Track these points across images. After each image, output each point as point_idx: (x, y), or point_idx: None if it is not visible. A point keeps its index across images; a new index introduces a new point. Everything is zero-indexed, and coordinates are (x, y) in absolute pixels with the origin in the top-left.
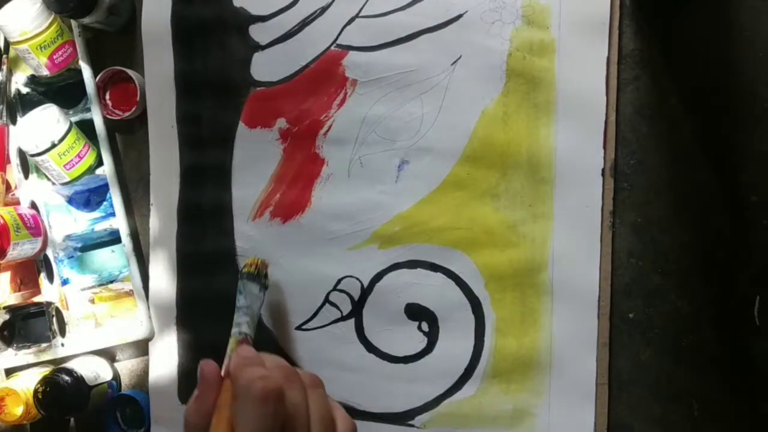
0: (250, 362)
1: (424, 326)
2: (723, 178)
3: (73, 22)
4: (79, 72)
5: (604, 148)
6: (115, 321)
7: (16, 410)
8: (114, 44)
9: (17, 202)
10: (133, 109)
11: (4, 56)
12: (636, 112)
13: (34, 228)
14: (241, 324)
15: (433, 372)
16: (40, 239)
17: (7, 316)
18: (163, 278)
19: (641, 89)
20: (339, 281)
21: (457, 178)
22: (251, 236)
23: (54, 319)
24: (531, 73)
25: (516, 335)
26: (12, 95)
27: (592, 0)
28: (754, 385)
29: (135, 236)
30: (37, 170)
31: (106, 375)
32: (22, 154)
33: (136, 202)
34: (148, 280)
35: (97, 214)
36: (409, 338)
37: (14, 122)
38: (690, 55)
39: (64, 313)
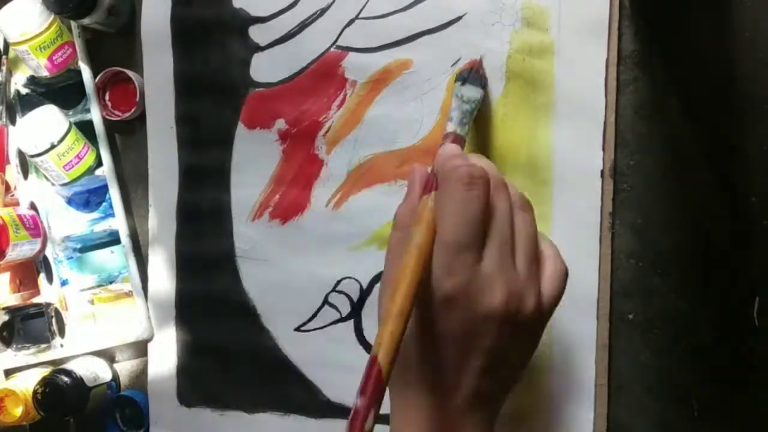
0: (456, 156)
1: None
2: (723, 179)
3: (73, 23)
4: (78, 73)
5: (604, 149)
6: (114, 322)
7: (16, 411)
8: (114, 45)
9: (16, 203)
10: (133, 109)
11: (4, 57)
12: (635, 114)
13: (34, 229)
14: (452, 120)
15: None
16: (39, 240)
17: (6, 317)
18: (162, 279)
19: (641, 90)
20: (338, 282)
21: None
22: (250, 237)
23: (53, 319)
24: (530, 75)
25: None
26: (11, 96)
27: (591, 2)
28: (754, 386)
29: (134, 237)
30: (37, 171)
31: (106, 376)
32: (21, 154)
33: (135, 203)
34: (147, 280)
35: (96, 214)
36: None
37: (14, 123)
38: (690, 57)
39: (64, 313)
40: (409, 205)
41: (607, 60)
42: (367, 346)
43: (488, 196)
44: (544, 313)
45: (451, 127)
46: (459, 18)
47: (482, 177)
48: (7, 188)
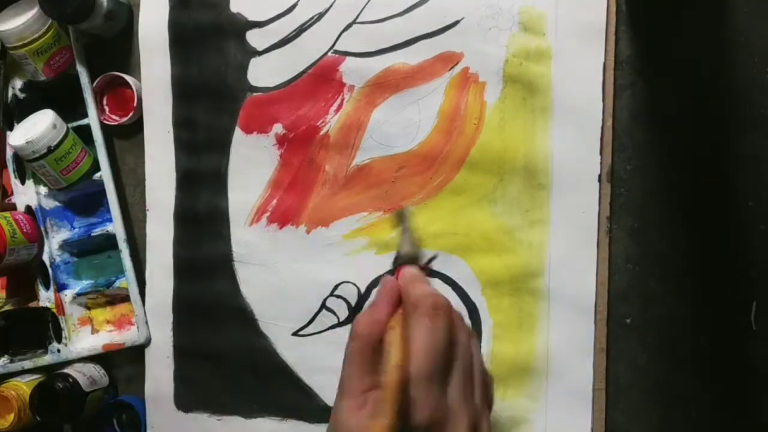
0: (419, 279)
1: None
2: (719, 183)
3: (71, 28)
4: (76, 77)
5: (601, 153)
6: (111, 327)
7: (9, 417)
8: (111, 50)
9: (14, 208)
10: (130, 114)
11: (1, 61)
12: (632, 118)
13: (31, 233)
14: (404, 245)
15: None
16: (36, 245)
17: (2, 322)
18: (159, 284)
19: (637, 95)
20: (336, 287)
21: (454, 184)
22: (248, 241)
23: (50, 324)
24: (528, 79)
25: (513, 341)
26: (9, 100)
27: (588, 6)
28: (752, 390)
29: (131, 242)
30: (34, 175)
31: (102, 381)
32: (18, 159)
33: (132, 208)
34: (144, 285)
35: (93, 219)
36: None
37: (11, 127)
38: (686, 61)
39: (60, 318)
40: (373, 316)
41: (605, 64)
42: None
43: (452, 325)
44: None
45: (405, 249)
46: (456, 22)
47: (446, 306)
48: (5, 193)
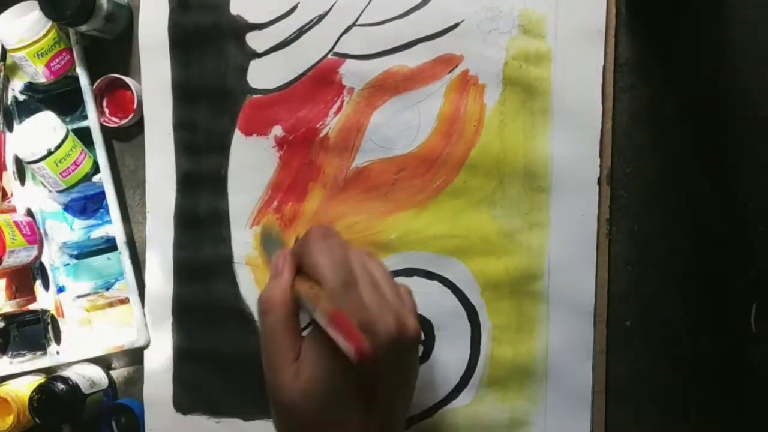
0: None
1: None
2: (719, 185)
3: (71, 30)
4: (76, 79)
5: (600, 156)
6: (110, 329)
7: (8, 419)
8: (111, 52)
9: (13, 210)
10: (131, 116)
11: (1, 63)
12: (632, 120)
13: (30, 235)
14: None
15: (429, 380)
16: (35, 246)
17: (2, 324)
18: (159, 286)
19: (637, 97)
20: None
21: (454, 186)
22: (248, 243)
23: (49, 326)
24: (527, 81)
25: (512, 343)
26: (9, 102)
27: (587, 9)
28: (752, 393)
29: (131, 244)
30: (34, 177)
31: (102, 383)
32: (18, 161)
33: (132, 210)
34: (144, 287)
35: (93, 221)
36: None
37: (11, 129)
38: (685, 64)
39: (60, 320)
40: (279, 284)
41: (604, 67)
42: None
43: (345, 244)
44: (419, 331)
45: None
46: (456, 25)
47: (334, 230)
48: (4, 195)
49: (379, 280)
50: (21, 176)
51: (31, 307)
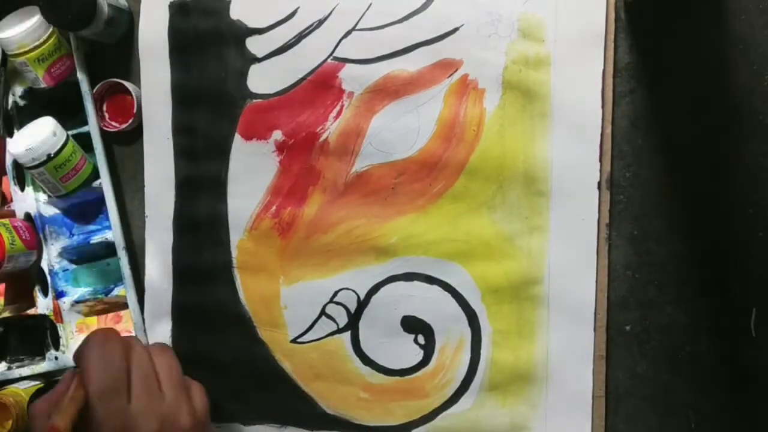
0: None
1: (420, 339)
2: (719, 190)
3: (72, 35)
4: (76, 85)
5: (600, 160)
6: None
7: (6, 424)
8: (111, 57)
9: (13, 215)
10: (130, 121)
11: (2, 68)
12: (632, 125)
13: (29, 240)
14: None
15: (429, 385)
16: (34, 252)
17: (0, 329)
18: (158, 291)
19: (637, 102)
20: (335, 293)
21: (454, 191)
22: (248, 248)
23: (48, 332)
24: (527, 86)
25: (512, 348)
26: (9, 108)
27: (587, 14)
28: (751, 397)
29: (131, 249)
30: (33, 182)
31: None
32: (18, 166)
33: (132, 215)
34: (143, 293)
35: (92, 226)
36: (405, 351)
37: (11, 135)
38: (685, 68)
39: (58, 326)
40: (51, 398)
41: (604, 71)
42: (363, 357)
43: (126, 346)
44: (202, 422)
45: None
46: (455, 29)
47: (116, 334)
48: (4, 200)
49: (162, 381)
50: (21, 181)
51: (30, 312)
